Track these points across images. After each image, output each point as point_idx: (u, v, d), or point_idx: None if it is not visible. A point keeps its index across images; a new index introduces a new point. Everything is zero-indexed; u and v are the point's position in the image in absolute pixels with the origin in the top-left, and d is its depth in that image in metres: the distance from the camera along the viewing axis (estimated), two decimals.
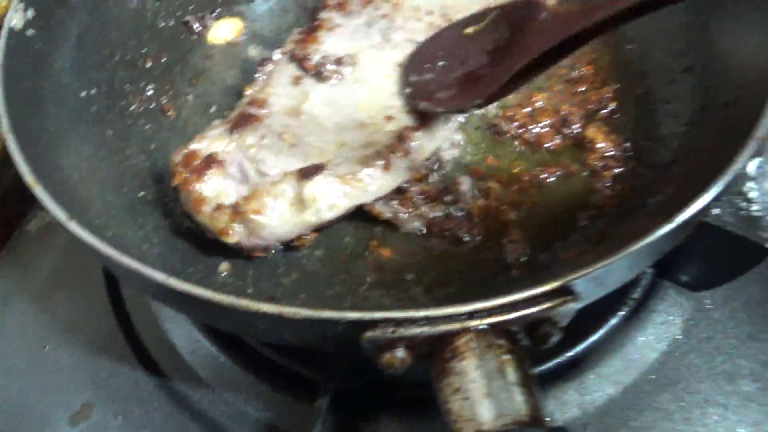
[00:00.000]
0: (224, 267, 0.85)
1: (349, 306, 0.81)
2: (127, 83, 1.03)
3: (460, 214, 0.89)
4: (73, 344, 0.98)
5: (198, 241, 0.87)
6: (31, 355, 0.98)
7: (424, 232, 0.88)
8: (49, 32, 0.92)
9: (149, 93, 1.03)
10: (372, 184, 0.82)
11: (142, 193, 0.92)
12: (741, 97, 0.81)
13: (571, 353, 0.89)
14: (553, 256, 0.83)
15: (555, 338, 0.63)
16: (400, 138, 0.85)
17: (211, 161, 0.86)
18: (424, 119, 0.87)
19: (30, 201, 1.10)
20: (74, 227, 0.68)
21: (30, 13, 0.89)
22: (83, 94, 0.96)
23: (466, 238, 0.86)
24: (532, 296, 0.61)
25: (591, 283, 0.63)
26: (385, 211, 0.87)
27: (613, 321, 0.92)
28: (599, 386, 0.87)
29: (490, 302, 0.60)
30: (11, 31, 0.85)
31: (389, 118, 0.89)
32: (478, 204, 0.89)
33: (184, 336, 0.96)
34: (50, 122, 0.88)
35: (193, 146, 0.89)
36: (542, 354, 0.88)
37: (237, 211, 0.81)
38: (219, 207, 0.82)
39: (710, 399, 0.84)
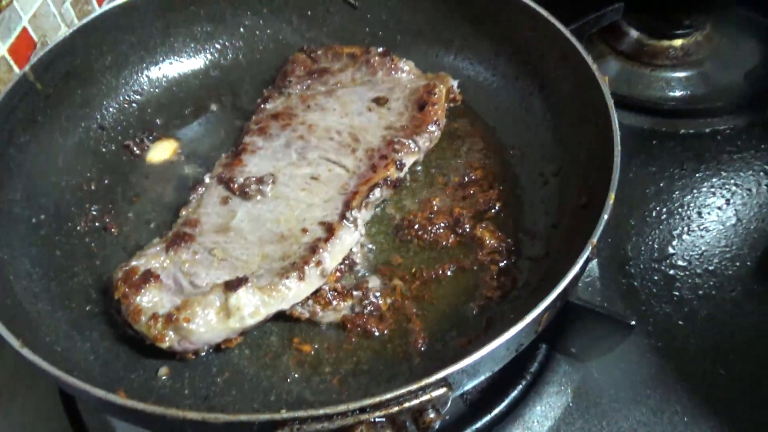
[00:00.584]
0: (163, 371, 0.97)
1: (274, 400, 0.93)
2: (73, 206, 1.15)
3: (370, 309, 1.02)
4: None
5: (139, 347, 0.98)
6: None
7: (341, 326, 1.01)
8: (1, 172, 1.04)
9: (93, 213, 1.15)
10: (289, 293, 0.95)
11: (88, 307, 1.03)
12: (591, 201, 0.99)
13: (477, 425, 1.02)
14: (447, 344, 0.97)
15: (436, 424, 0.76)
16: (313, 249, 0.99)
17: (147, 276, 0.98)
18: (332, 230, 1.02)
19: None
20: (27, 353, 0.79)
21: None
22: (33, 220, 1.08)
23: (375, 332, 1.00)
24: (413, 390, 0.74)
25: (463, 375, 0.77)
26: (303, 312, 1.00)
27: (514, 393, 1.05)
28: None
29: (377, 398, 0.73)
30: None
31: (304, 230, 1.04)
32: (385, 300, 1.03)
33: None
34: (2, 251, 0.99)
35: (134, 263, 1.01)
36: (451, 428, 1.02)
37: (170, 320, 0.93)
38: (154, 316, 0.94)
39: None
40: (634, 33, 1.57)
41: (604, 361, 1.08)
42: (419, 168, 1.20)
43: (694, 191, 1.29)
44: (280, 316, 1.00)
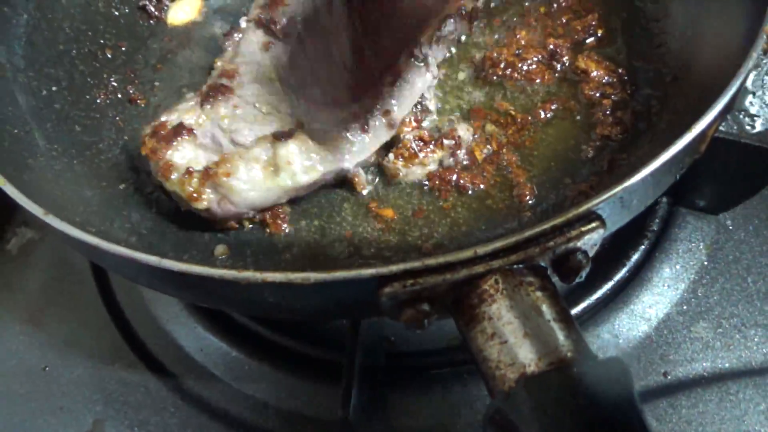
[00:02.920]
0: (221, 250, 0.80)
1: None
2: (89, 77, 0.97)
3: (462, 160, 0.84)
4: (75, 360, 0.94)
5: (190, 225, 0.82)
6: (31, 377, 0.93)
7: (422, 185, 0.83)
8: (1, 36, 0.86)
9: (114, 84, 0.97)
10: (352, 147, 0.77)
11: (122, 186, 0.86)
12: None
13: (598, 295, 0.86)
14: (562, 193, 0.79)
15: (585, 270, 0.59)
16: (377, 95, 0.80)
17: (180, 129, 0.81)
18: (398, 72, 0.82)
19: (5, 219, 1.06)
20: (53, 221, 0.62)
21: None
22: (44, 92, 0.90)
23: (470, 187, 0.82)
24: (557, 225, 0.56)
25: (616, 205, 0.59)
26: (387, 163, 0.82)
27: (636, 257, 0.89)
28: (632, 325, 0.84)
29: (513, 238, 0.56)
30: None
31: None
32: (478, 148, 0.85)
33: (189, 335, 0.92)
34: (11, 124, 0.82)
35: (163, 117, 0.84)
36: (568, 299, 0.85)
37: (207, 175, 0.76)
38: (188, 172, 0.77)
39: (748, 321, 0.81)
40: None
41: (739, 210, 0.90)
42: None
43: None
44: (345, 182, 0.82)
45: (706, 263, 0.87)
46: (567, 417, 0.47)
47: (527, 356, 0.51)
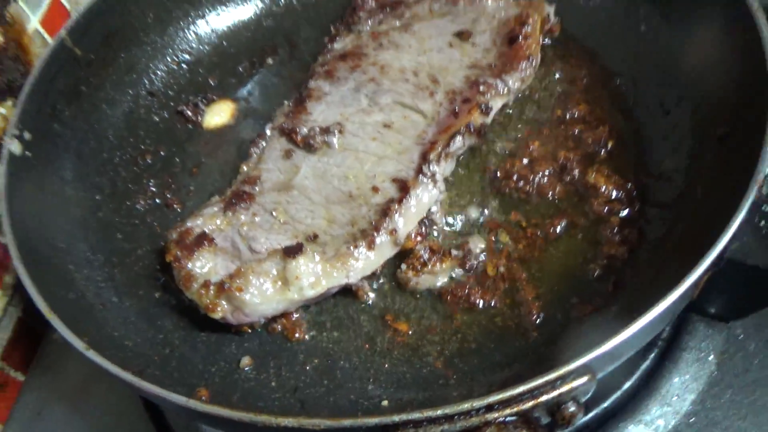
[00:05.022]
0: (246, 361, 0.86)
1: (371, 389, 0.81)
2: (130, 182, 1.04)
3: (473, 273, 0.88)
4: None
5: (217, 334, 0.88)
6: None
7: (438, 299, 0.88)
8: (47, 150, 0.95)
9: (153, 189, 1.04)
10: (357, 264, 0.83)
11: (157, 294, 0.93)
12: (735, 131, 0.81)
13: (606, 404, 0.88)
14: (567, 313, 0.83)
15: (577, 417, 0.62)
16: (384, 213, 0.86)
17: (202, 240, 0.88)
18: (406, 189, 0.87)
19: None
20: (93, 356, 0.69)
21: (27, 135, 0.91)
22: (88, 202, 0.98)
23: (480, 303, 0.86)
24: (550, 380, 0.60)
25: (608, 358, 0.63)
26: (399, 273, 0.87)
27: (645, 365, 0.91)
28: None
29: (507, 392, 0.60)
30: (11, 156, 0.88)
31: (375, 189, 0.91)
32: (491, 264, 0.89)
33: None
34: (59, 238, 0.90)
35: (189, 224, 0.91)
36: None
37: (222, 289, 0.82)
38: (206, 284, 0.84)
39: None
40: None
41: (751, 320, 0.92)
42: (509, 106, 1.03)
43: None
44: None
45: (715, 374, 0.89)
46: None
47: None
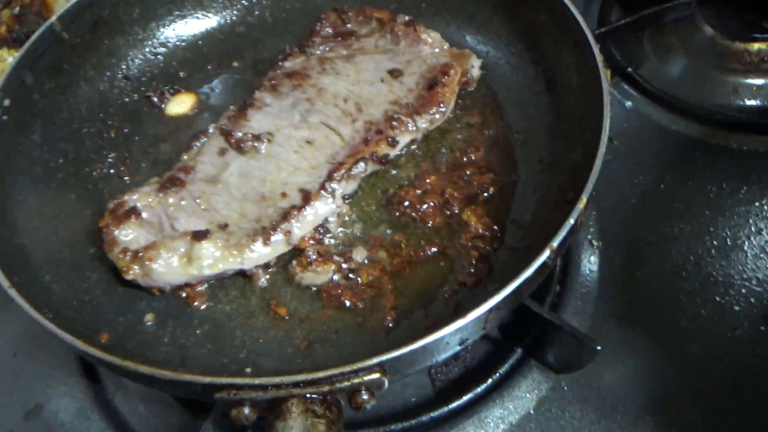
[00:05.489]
0: (149, 317, 1.04)
1: (243, 357, 0.99)
2: (92, 152, 1.22)
3: (349, 278, 1.05)
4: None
5: (131, 294, 1.06)
6: (4, 358, 1.19)
7: (317, 294, 1.05)
8: (23, 115, 1.13)
9: (110, 160, 1.22)
10: (251, 255, 1.00)
11: (92, 250, 1.10)
12: (575, 200, 0.97)
13: (433, 414, 1.04)
14: (413, 325, 1.00)
15: (368, 406, 0.80)
16: (284, 216, 1.03)
17: (131, 213, 1.05)
18: (308, 199, 1.05)
19: None
20: (13, 294, 0.88)
21: (6, 102, 1.09)
22: (52, 164, 1.16)
23: (348, 304, 1.03)
24: (345, 372, 0.78)
25: (399, 362, 0.80)
26: (289, 267, 1.05)
27: (478, 390, 1.06)
28: None
29: (310, 375, 0.77)
30: None
31: (284, 195, 1.07)
32: (367, 273, 1.06)
33: None
34: (16, 191, 1.08)
35: (125, 197, 1.08)
36: (408, 413, 1.05)
37: (136, 257, 1.00)
38: (124, 250, 1.01)
39: None
40: (708, 30, 1.46)
41: (578, 376, 1.07)
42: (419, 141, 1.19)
43: (727, 213, 1.22)
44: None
45: (531, 412, 1.03)
46: None
47: None
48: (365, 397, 0.79)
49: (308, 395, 0.78)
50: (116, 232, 1.03)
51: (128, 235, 1.04)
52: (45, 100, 1.18)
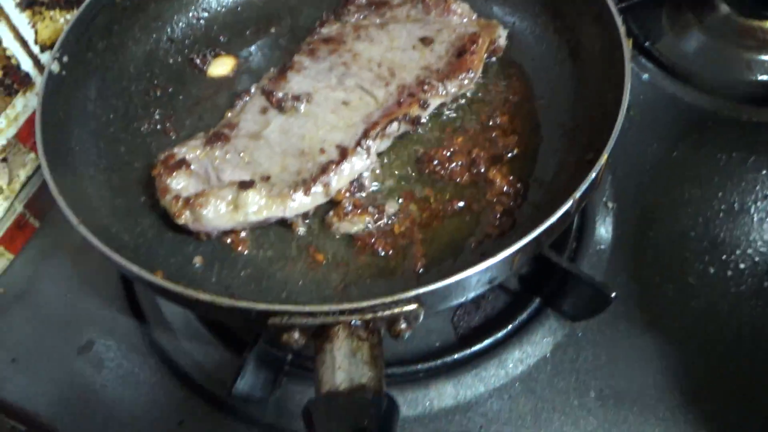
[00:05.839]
0: (198, 260, 1.13)
1: (284, 297, 1.08)
2: (140, 108, 1.31)
3: (383, 228, 1.14)
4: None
5: (180, 238, 1.15)
6: (57, 298, 1.29)
7: (352, 241, 1.14)
8: (79, 72, 1.21)
9: (156, 117, 1.30)
10: (292, 204, 1.09)
11: (142, 198, 1.19)
12: (596, 158, 1.04)
13: (456, 356, 1.13)
14: (441, 270, 1.08)
15: (406, 334, 0.89)
16: (323, 170, 1.11)
17: (181, 163, 1.14)
18: (345, 155, 1.13)
19: None
20: (83, 230, 0.96)
21: (65, 59, 1.17)
22: (104, 118, 1.25)
23: (381, 251, 1.12)
24: (386, 302, 0.86)
25: (434, 296, 0.88)
26: (327, 216, 1.14)
27: (498, 335, 1.15)
28: (474, 385, 1.10)
29: (355, 304, 0.86)
30: (50, 74, 1.14)
31: (322, 150, 1.15)
32: (398, 223, 1.15)
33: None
34: (75, 142, 1.17)
35: (175, 150, 1.17)
36: (432, 355, 1.14)
37: (187, 203, 1.08)
38: (176, 196, 1.10)
39: (558, 408, 1.08)
40: (724, 8, 1.52)
41: (593, 323, 1.15)
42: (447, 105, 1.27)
43: (735, 180, 1.29)
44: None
45: (546, 356, 1.12)
46: (341, 422, 0.78)
47: (337, 380, 0.82)
48: (403, 326, 0.88)
49: (353, 322, 0.86)
50: (168, 181, 1.12)
51: (179, 183, 1.12)
52: (97, 59, 1.26)
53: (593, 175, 0.94)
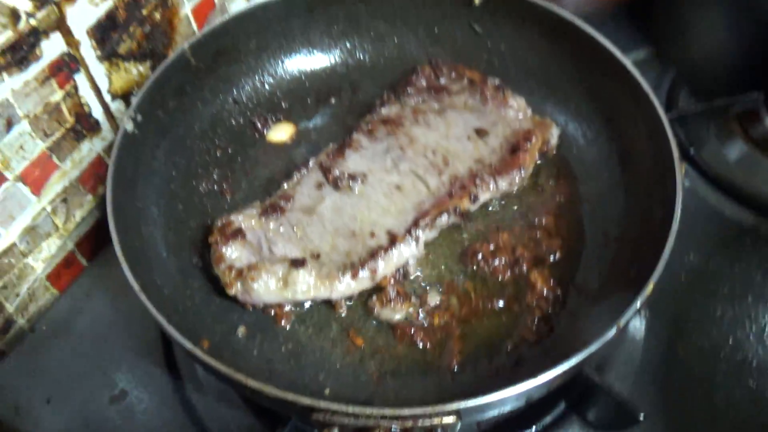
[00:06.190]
0: (241, 330, 1.17)
1: (322, 379, 1.11)
2: (200, 167, 1.35)
3: (422, 319, 1.17)
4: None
5: (226, 304, 1.19)
6: (96, 341, 1.32)
7: (392, 329, 1.17)
8: (150, 131, 1.26)
9: (215, 177, 1.35)
10: (339, 286, 1.13)
11: (194, 259, 1.23)
12: (639, 278, 1.07)
13: None
14: (477, 370, 1.11)
15: None
16: (372, 254, 1.15)
17: (237, 233, 1.18)
18: (394, 241, 1.16)
19: None
20: (143, 299, 1.01)
21: (139, 118, 1.23)
22: (167, 176, 1.30)
23: (420, 343, 1.15)
24: (427, 413, 0.90)
25: (472, 410, 0.92)
26: (369, 302, 1.17)
27: None
28: None
29: (397, 411, 0.89)
30: (125, 132, 1.20)
31: (372, 234, 1.19)
32: (438, 315, 1.18)
33: None
34: (139, 200, 1.22)
35: (232, 218, 1.21)
36: None
37: (240, 274, 1.12)
38: (230, 267, 1.14)
39: None
40: None
41: None
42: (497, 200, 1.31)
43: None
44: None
45: None
46: None
47: None
48: None
49: (393, 429, 0.90)
50: (223, 249, 1.16)
51: (233, 253, 1.17)
52: (168, 118, 1.31)
53: (638, 303, 0.97)
